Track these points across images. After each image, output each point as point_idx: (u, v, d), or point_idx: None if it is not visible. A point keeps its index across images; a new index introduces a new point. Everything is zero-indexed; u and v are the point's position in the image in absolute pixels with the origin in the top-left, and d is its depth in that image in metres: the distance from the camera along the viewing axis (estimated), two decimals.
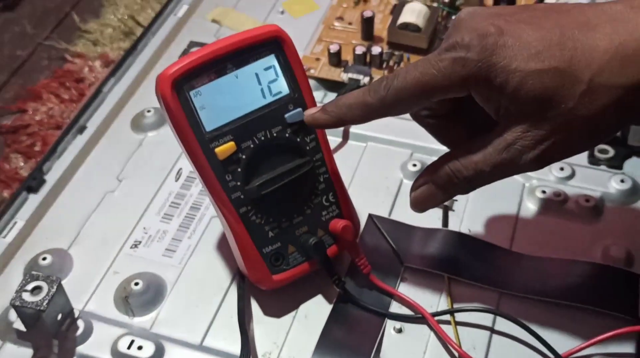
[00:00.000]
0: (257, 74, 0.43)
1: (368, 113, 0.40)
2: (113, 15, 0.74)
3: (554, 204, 0.51)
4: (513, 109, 0.36)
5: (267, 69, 0.43)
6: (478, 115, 0.39)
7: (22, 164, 0.61)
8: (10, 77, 0.71)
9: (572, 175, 0.52)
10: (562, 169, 0.53)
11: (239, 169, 0.43)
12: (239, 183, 0.43)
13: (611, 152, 0.53)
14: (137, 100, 0.61)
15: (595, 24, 0.35)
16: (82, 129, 0.59)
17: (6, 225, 0.52)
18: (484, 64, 0.35)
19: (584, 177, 0.52)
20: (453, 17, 0.63)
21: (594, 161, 0.53)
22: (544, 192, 0.51)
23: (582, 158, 0.53)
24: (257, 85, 0.43)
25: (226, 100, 0.43)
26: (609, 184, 0.52)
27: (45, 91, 0.67)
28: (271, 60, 0.43)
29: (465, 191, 0.40)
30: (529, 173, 0.52)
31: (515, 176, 0.52)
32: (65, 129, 0.59)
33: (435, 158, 0.53)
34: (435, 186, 0.41)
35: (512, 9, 0.38)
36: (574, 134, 0.35)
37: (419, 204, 0.42)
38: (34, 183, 0.54)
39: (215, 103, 0.42)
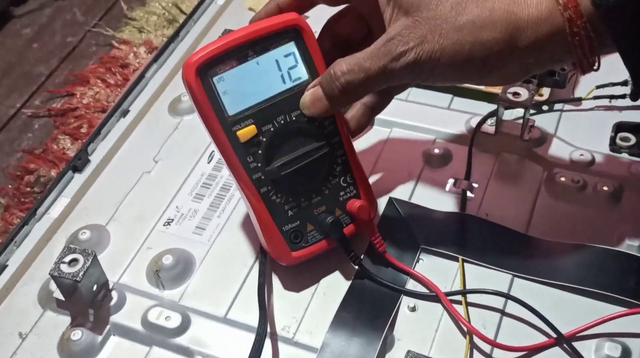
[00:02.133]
0: (277, 61, 0.45)
1: None
2: (158, 3, 0.76)
3: (572, 191, 0.51)
4: (398, 10, 0.40)
5: (287, 55, 0.45)
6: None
7: (69, 145, 0.65)
8: (61, 63, 0.74)
9: (592, 162, 0.53)
10: (581, 155, 0.53)
11: (260, 151, 0.45)
12: (259, 164, 0.45)
13: (633, 140, 0.53)
14: (175, 85, 0.64)
15: None
16: (125, 113, 0.62)
17: (52, 202, 0.55)
18: None
19: (605, 164, 0.53)
20: None
21: (615, 148, 0.54)
22: (562, 178, 0.52)
23: (602, 145, 0.54)
24: (278, 71, 0.45)
25: (248, 85, 0.45)
26: (629, 171, 0.52)
27: (93, 75, 0.70)
28: (291, 47, 0.45)
29: (346, 95, 0.42)
30: (549, 159, 0.53)
31: (534, 164, 0.53)
32: (110, 113, 0.61)
33: (458, 144, 0.55)
34: (321, 88, 0.43)
35: None
36: (450, 43, 0.38)
37: (307, 108, 0.45)
38: (79, 163, 0.57)
39: (237, 88, 0.44)
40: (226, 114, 0.44)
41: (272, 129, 0.45)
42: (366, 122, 0.48)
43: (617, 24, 0.36)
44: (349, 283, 0.48)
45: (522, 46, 0.38)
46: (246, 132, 0.45)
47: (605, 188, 0.51)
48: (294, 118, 0.46)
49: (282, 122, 0.45)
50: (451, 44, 0.38)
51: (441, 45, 0.39)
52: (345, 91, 0.42)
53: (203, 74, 0.43)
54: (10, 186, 0.63)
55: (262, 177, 0.46)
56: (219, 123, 0.44)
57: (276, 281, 0.49)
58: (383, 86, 0.42)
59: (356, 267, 0.48)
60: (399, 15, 0.40)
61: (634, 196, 0.51)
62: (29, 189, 0.62)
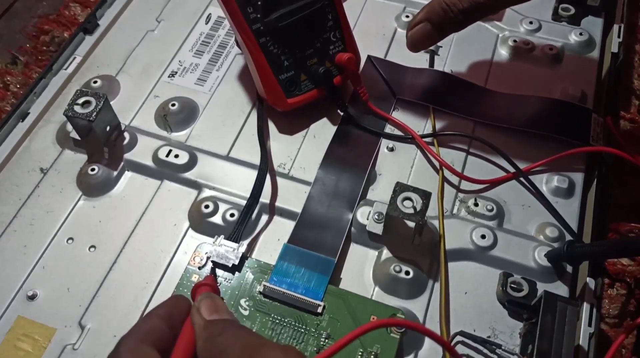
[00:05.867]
0: None
1: None
2: None
3: (523, 52, 0.42)
4: None
5: None
6: None
7: (79, 11, 0.51)
8: None
9: (539, 28, 0.43)
10: (530, 22, 0.43)
11: (259, 2, 0.34)
12: (259, 15, 0.34)
13: (572, 10, 0.43)
14: None
15: None
16: None
17: (66, 60, 0.43)
18: None
19: (549, 30, 0.43)
20: None
21: (557, 17, 0.44)
22: (515, 41, 0.42)
23: (546, 14, 0.44)
24: None
25: None
26: (569, 36, 0.42)
27: None
28: None
29: (459, 27, 0.31)
30: (502, 25, 0.43)
31: (490, 28, 0.43)
32: None
33: None
34: (431, 23, 0.31)
35: None
36: None
37: (415, 43, 0.33)
38: (89, 25, 0.45)
39: None
40: None
41: None
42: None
43: None
44: (335, 127, 0.38)
45: None
46: None
47: (550, 50, 0.41)
48: None
49: None
50: None
51: None
52: (457, 24, 0.30)
53: None
54: (28, 46, 0.49)
55: (262, 28, 0.34)
56: None
57: (272, 126, 0.39)
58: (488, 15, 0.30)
59: (342, 113, 0.38)
60: None
61: (573, 58, 0.42)
62: (45, 48, 0.48)
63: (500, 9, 0.30)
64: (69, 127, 0.38)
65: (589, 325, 0.30)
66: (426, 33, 0.32)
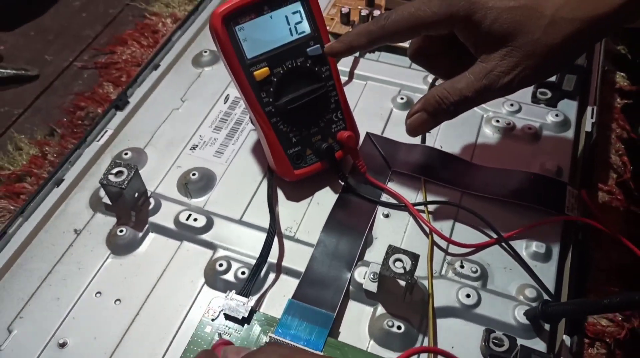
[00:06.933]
0: (286, 16, 0.39)
1: (371, 40, 0.36)
2: None
3: (505, 131, 0.47)
4: (490, 42, 0.32)
5: (294, 12, 0.39)
6: (463, 54, 0.35)
7: (112, 90, 0.58)
8: (104, 28, 0.66)
9: (519, 110, 0.49)
10: (512, 105, 0.49)
11: (272, 89, 0.40)
12: (271, 99, 0.40)
13: (549, 94, 0.49)
14: (196, 44, 0.57)
15: None
16: (156, 67, 0.55)
17: (99, 132, 0.49)
18: (466, 3, 0.31)
19: (528, 111, 0.49)
20: None
21: (535, 100, 0.49)
22: (498, 121, 0.48)
23: (526, 97, 0.50)
24: (286, 25, 0.39)
25: (262, 35, 0.39)
26: (546, 117, 0.48)
27: (130, 38, 0.62)
28: (298, 6, 0.39)
29: (451, 116, 0.36)
30: (486, 106, 0.49)
31: (476, 109, 0.49)
32: (144, 66, 0.55)
33: (418, 94, 0.51)
34: (427, 113, 0.36)
35: None
36: (541, 60, 0.31)
37: (413, 130, 0.37)
38: (120, 103, 0.51)
39: (254, 37, 0.39)
40: (245, 57, 0.39)
41: (281, 71, 0.40)
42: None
43: None
44: (336, 195, 0.43)
45: (606, 33, 0.31)
46: (261, 73, 0.39)
47: (529, 129, 0.47)
48: (298, 63, 0.40)
49: (290, 66, 0.40)
50: (549, 63, 0.31)
51: (536, 65, 0.31)
52: (449, 113, 0.35)
53: (227, 23, 0.38)
54: (65, 119, 0.56)
55: (273, 110, 0.40)
56: (239, 65, 0.39)
57: (280, 194, 0.44)
58: (475, 106, 0.35)
59: (343, 183, 0.43)
60: (491, 44, 0.32)
61: (549, 137, 0.47)
62: (80, 122, 0.55)
63: (485, 101, 0.35)
64: (101, 193, 0.43)
65: None
66: (423, 121, 0.36)
